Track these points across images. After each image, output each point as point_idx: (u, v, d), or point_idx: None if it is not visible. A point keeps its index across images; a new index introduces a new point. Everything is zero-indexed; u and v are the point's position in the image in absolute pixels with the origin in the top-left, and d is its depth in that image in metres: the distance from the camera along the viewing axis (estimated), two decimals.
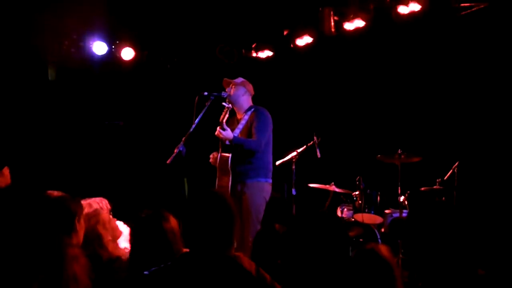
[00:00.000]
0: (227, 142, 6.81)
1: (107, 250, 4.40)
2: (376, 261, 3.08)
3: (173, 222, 3.73)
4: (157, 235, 3.67)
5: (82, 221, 4.18)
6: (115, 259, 4.36)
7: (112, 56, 10.18)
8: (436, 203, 7.97)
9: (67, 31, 9.76)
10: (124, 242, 4.77)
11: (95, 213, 4.54)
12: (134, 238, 3.81)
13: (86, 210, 4.46)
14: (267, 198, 6.88)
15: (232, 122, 6.98)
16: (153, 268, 3.19)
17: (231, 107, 6.85)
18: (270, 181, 6.95)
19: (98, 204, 4.68)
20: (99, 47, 9.93)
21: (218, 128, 6.63)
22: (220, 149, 6.96)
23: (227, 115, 6.74)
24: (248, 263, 3.30)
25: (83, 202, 4.45)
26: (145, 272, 3.19)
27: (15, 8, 8.93)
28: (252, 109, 7.00)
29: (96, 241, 4.39)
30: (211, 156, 7.08)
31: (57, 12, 9.16)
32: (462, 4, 8.01)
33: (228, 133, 6.63)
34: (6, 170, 5.73)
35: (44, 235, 3.36)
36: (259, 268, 3.35)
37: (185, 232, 3.29)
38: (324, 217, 3.15)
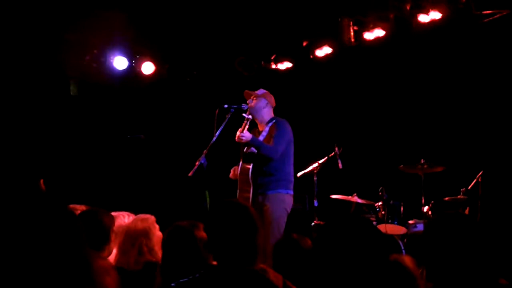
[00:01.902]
0: (249, 150, 6.80)
1: (153, 249, 4.46)
2: (400, 272, 3.03)
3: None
4: (189, 244, 3.68)
5: (113, 234, 4.23)
6: (155, 264, 4.40)
7: (133, 70, 10.23)
8: (452, 215, 7.88)
9: (88, 47, 9.83)
10: None
11: (150, 217, 4.67)
12: (167, 247, 3.82)
13: (140, 215, 4.59)
14: (289, 210, 6.83)
15: (253, 134, 6.96)
16: (181, 280, 3.17)
17: (251, 118, 6.84)
18: (292, 192, 6.90)
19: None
20: (119, 62, 9.98)
21: (237, 133, 6.63)
22: (241, 160, 6.95)
23: (247, 126, 6.73)
24: (274, 276, 3.27)
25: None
26: (172, 284, 3.17)
27: (37, 25, 9.00)
28: (273, 121, 6.97)
29: (145, 240, 4.46)
30: (231, 170, 7.07)
31: (78, 28, 9.23)
32: (484, 12, 7.95)
33: (246, 133, 6.61)
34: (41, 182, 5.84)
35: (75, 249, 3.36)
36: (285, 280, 3.32)
37: (210, 245, 3.27)
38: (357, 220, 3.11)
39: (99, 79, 10.10)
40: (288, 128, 6.93)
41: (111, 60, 9.98)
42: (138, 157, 10.47)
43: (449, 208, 8.12)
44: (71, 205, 4.91)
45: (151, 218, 4.67)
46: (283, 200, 6.77)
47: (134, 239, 4.46)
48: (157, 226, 4.65)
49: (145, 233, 4.50)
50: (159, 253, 4.56)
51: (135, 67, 10.24)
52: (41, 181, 5.91)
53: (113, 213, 4.66)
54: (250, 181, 6.78)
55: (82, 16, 8.83)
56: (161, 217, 4.82)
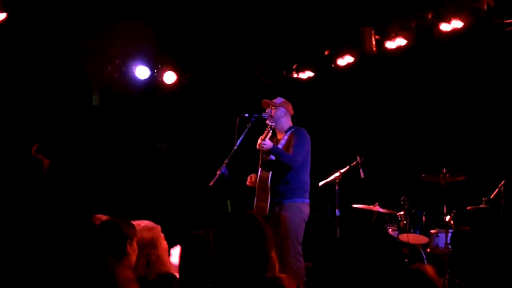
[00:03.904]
0: (268, 158, 6.82)
1: (162, 259, 4.45)
2: (422, 281, 3.03)
3: None
4: (206, 252, 3.69)
5: (134, 244, 4.22)
6: (168, 275, 4.39)
7: (155, 80, 10.29)
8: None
9: (110, 57, 9.89)
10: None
11: (156, 226, 4.64)
12: (184, 256, 3.83)
13: (146, 223, 4.56)
14: (306, 219, 6.82)
15: (272, 142, 6.96)
16: None
17: (274, 126, 6.86)
18: (307, 201, 6.89)
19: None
20: (141, 72, 10.04)
21: (259, 140, 6.65)
22: (259, 168, 6.95)
23: (269, 134, 6.75)
24: (288, 284, 3.27)
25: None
26: None
27: (59, 35, 9.08)
28: (292, 130, 6.99)
29: (152, 250, 4.45)
30: (248, 178, 7.09)
31: (100, 38, 9.30)
32: (506, 21, 7.92)
33: (268, 142, 6.64)
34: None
35: (96, 258, 3.39)
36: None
37: (218, 256, 3.28)
38: (375, 231, 3.11)
39: (121, 89, 10.17)
40: (307, 137, 6.94)
41: (133, 70, 10.04)
42: (160, 167, 10.51)
43: (471, 218, 8.11)
44: (96, 215, 4.95)
45: (157, 227, 4.63)
46: (300, 209, 6.76)
47: (141, 249, 4.39)
48: (162, 236, 4.62)
49: (152, 243, 4.47)
50: (168, 263, 4.56)
51: (157, 77, 10.28)
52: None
53: (137, 222, 4.66)
54: (269, 189, 6.78)
55: (104, 26, 8.90)
56: (183, 227, 4.84)
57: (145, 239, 4.43)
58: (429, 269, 3.10)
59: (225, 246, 3.22)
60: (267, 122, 6.86)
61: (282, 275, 3.30)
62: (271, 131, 6.83)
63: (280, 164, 6.72)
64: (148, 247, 4.42)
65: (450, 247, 7.91)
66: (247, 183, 7.08)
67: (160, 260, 4.44)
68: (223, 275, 3.25)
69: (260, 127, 6.83)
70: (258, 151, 6.80)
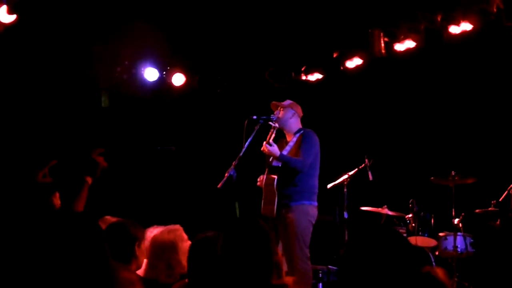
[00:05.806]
0: (274, 163, 6.81)
1: (181, 263, 4.42)
2: (432, 284, 3.02)
3: None
4: (216, 255, 3.68)
5: (142, 246, 4.20)
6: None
7: (163, 82, 10.29)
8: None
9: (119, 58, 9.90)
10: None
11: (178, 228, 4.60)
12: (192, 259, 3.82)
13: (168, 226, 4.54)
14: (313, 221, 6.79)
15: (281, 144, 6.95)
16: None
17: (277, 126, 6.85)
18: (316, 203, 6.86)
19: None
20: (150, 73, 10.04)
21: (264, 143, 6.64)
22: (266, 171, 6.95)
23: (273, 135, 6.75)
24: None
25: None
26: None
27: (69, 36, 9.09)
28: (301, 132, 6.97)
29: (171, 253, 4.43)
30: (258, 179, 7.08)
31: (109, 39, 9.31)
32: None
33: (274, 149, 6.63)
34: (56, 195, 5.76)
35: (100, 260, 3.37)
36: None
37: (225, 263, 3.28)
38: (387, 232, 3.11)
39: (130, 90, 10.17)
40: (316, 140, 6.92)
41: (142, 72, 10.05)
42: (169, 169, 10.51)
43: (480, 220, 8.10)
44: (104, 217, 4.93)
45: (179, 229, 4.61)
46: (307, 212, 6.74)
47: (161, 252, 4.41)
48: (185, 237, 4.57)
49: (171, 246, 4.45)
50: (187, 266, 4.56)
51: (165, 79, 10.29)
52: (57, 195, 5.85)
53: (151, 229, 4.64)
54: (275, 191, 6.78)
55: (113, 28, 8.91)
56: (191, 230, 4.82)
57: (164, 242, 4.43)
58: (440, 272, 3.09)
59: (230, 252, 3.22)
60: (270, 123, 6.85)
61: (289, 281, 3.30)
62: (274, 131, 6.83)
63: (288, 168, 6.71)
64: (168, 250, 4.40)
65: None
66: (258, 184, 7.07)
67: (180, 264, 4.41)
68: (230, 280, 3.25)
69: (268, 130, 6.83)
70: (266, 154, 6.79)
